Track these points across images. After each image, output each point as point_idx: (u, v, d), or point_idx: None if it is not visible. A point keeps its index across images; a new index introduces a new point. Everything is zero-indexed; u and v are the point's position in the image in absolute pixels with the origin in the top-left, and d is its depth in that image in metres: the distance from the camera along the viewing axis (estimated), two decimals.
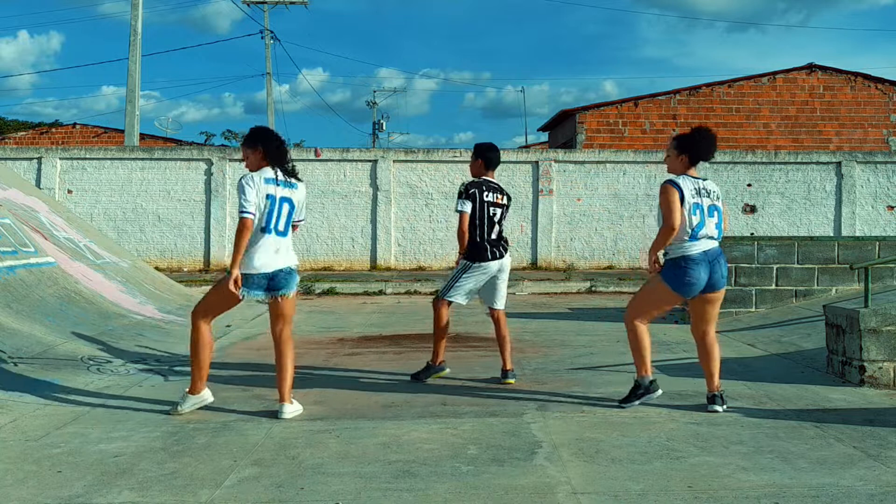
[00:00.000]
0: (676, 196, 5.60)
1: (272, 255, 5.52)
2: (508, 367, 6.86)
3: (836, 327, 7.04)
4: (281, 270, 5.56)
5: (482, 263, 6.71)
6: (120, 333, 8.60)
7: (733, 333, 9.59)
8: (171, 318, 10.04)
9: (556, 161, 20.25)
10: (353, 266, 19.87)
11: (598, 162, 20.30)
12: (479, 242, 6.72)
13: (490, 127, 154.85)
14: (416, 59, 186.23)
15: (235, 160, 19.77)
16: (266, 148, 5.65)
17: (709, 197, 5.72)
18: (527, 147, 39.83)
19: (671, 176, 5.82)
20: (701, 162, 5.85)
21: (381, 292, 15.65)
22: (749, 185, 20.57)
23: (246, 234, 5.41)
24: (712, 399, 5.82)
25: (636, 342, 5.86)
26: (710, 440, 5.02)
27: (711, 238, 5.72)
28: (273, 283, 5.58)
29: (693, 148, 5.74)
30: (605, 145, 24.72)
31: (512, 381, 6.81)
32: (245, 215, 5.42)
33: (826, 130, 25.66)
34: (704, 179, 5.80)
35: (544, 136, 34.62)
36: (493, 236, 6.75)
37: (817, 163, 20.64)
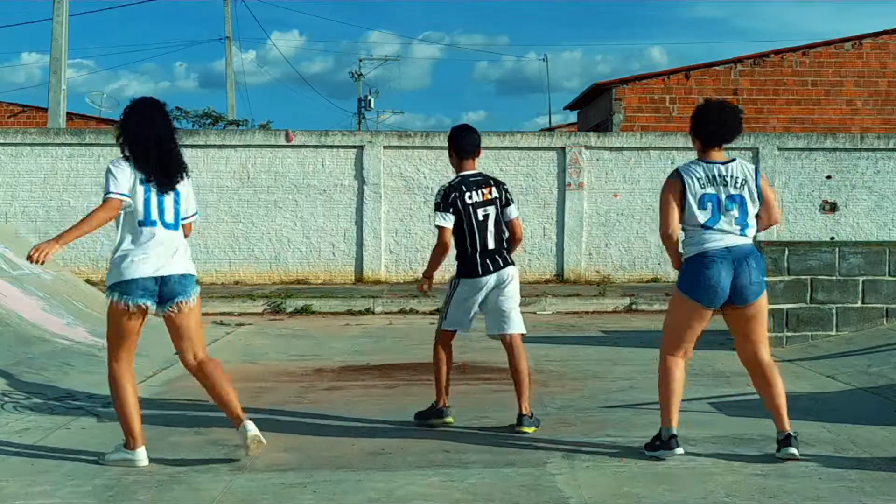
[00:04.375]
0: (671, 194, 5.82)
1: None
2: (524, 410, 6.63)
3: None
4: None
5: (475, 279, 6.71)
6: (42, 363, 8.61)
7: (808, 362, 9.59)
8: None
9: (587, 147, 20.26)
10: (334, 278, 19.88)
11: (639, 148, 20.32)
12: (471, 255, 6.73)
13: (506, 105, 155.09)
14: (415, 19, 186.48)
15: (188, 146, 19.80)
16: None
17: (730, 185, 5.79)
18: (551, 129, 39.85)
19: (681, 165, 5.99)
20: (726, 143, 5.93)
21: (368, 311, 15.66)
22: (828, 176, 20.57)
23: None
24: (786, 441, 5.76)
25: (660, 381, 5.90)
26: (779, 496, 5.02)
27: (732, 234, 5.78)
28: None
29: (698, 129, 5.92)
30: (648, 127, 24.74)
31: (529, 429, 6.59)
32: None
33: None
34: (730, 161, 5.88)
35: (573, 116, 34.65)
36: (491, 245, 6.73)
37: None
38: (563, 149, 20.18)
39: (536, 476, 5.43)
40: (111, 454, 5.71)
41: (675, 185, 5.83)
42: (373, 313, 15.50)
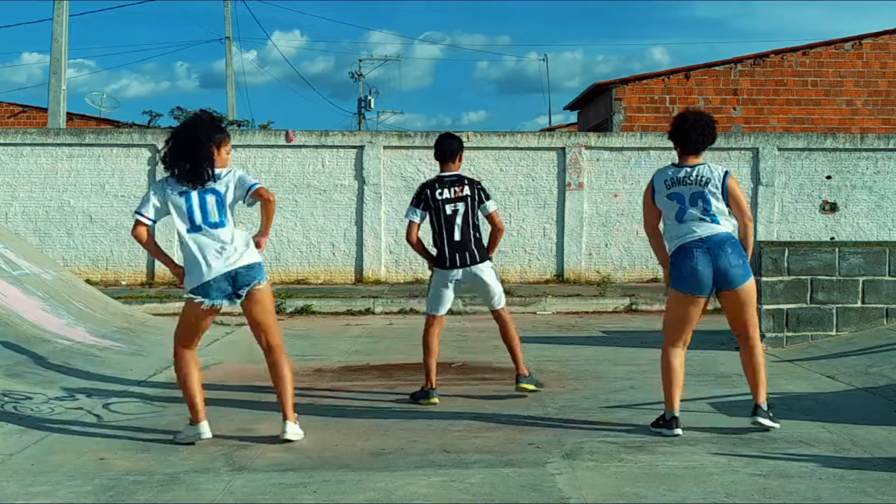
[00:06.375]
0: (648, 196, 6.61)
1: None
2: (521, 370, 7.71)
3: None
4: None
5: (443, 270, 7.69)
6: (42, 363, 8.62)
7: (808, 363, 9.59)
8: (107, 344, 10.06)
9: (587, 147, 20.27)
10: (334, 278, 19.90)
11: (640, 148, 20.32)
12: (440, 246, 7.68)
13: (506, 104, 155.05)
14: (415, 19, 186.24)
15: None
16: None
17: (694, 184, 6.40)
18: (551, 129, 39.86)
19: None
20: (702, 149, 6.58)
21: (368, 311, 15.67)
22: (828, 177, 20.57)
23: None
24: (755, 410, 6.45)
25: (662, 371, 6.53)
26: (779, 496, 5.03)
27: (704, 223, 6.36)
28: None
29: (677, 138, 6.60)
30: (648, 127, 24.73)
31: (528, 385, 7.60)
32: None
33: None
34: (699, 165, 6.49)
35: (573, 116, 34.67)
36: (457, 237, 7.56)
37: None
38: (563, 149, 20.18)
39: (536, 476, 5.44)
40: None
41: (649, 188, 6.62)
42: (373, 313, 15.50)
